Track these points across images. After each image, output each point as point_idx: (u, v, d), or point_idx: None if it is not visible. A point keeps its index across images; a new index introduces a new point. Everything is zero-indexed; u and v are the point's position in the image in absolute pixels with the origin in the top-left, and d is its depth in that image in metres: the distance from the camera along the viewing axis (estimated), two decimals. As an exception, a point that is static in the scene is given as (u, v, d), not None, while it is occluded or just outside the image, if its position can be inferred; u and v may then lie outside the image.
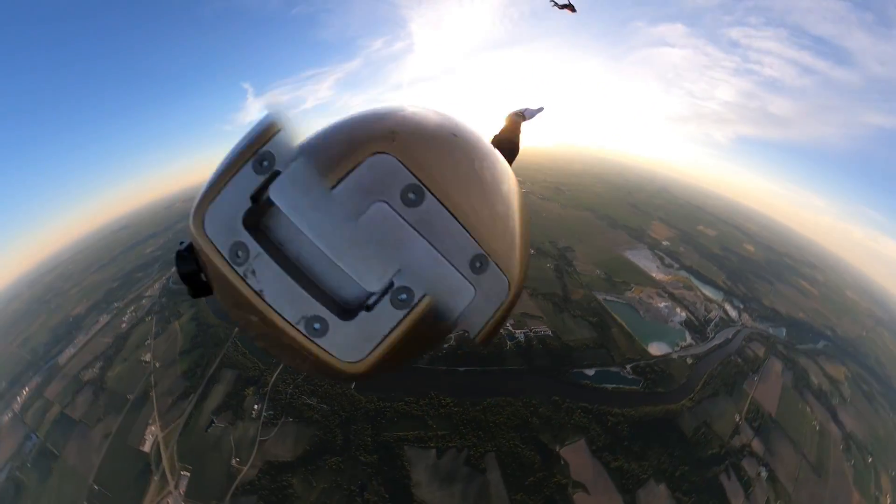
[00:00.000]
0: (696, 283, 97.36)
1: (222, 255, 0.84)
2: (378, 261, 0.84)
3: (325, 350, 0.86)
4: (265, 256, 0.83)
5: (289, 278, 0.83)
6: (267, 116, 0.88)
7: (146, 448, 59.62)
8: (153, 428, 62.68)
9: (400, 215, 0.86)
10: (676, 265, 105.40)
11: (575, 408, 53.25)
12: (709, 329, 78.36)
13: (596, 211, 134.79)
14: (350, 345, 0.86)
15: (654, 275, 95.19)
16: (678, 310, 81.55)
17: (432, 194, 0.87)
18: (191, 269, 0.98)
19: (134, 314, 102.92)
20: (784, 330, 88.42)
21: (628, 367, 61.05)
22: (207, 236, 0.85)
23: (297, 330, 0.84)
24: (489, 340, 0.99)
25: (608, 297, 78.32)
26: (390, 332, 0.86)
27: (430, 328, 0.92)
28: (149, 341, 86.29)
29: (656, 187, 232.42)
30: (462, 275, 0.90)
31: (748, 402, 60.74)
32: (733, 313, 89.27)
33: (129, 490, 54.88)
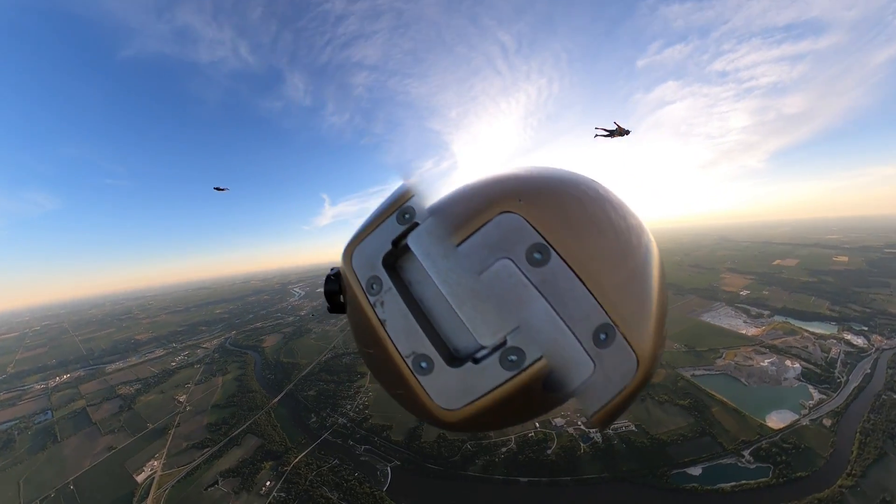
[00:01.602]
0: (796, 323, 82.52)
1: (360, 284, 1.02)
2: (495, 316, 0.82)
3: (423, 389, 0.90)
4: (394, 292, 0.96)
5: (410, 315, 0.92)
6: (404, 183, 1.06)
7: (139, 478, 55.45)
8: (155, 463, 58.96)
9: (523, 273, 0.84)
10: (766, 312, 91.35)
11: (683, 523, 41.71)
12: (837, 372, 63.19)
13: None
14: (449, 391, 0.87)
15: (743, 331, 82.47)
16: (788, 362, 67.68)
17: (558, 254, 0.84)
18: (333, 289, 1.20)
19: (186, 358, 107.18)
20: (936, 338, 69.07)
21: (746, 453, 48.50)
22: (352, 267, 1.05)
23: (405, 363, 0.92)
24: (605, 425, 0.88)
25: (697, 372, 67.32)
26: (492, 390, 0.83)
27: (536, 396, 0.86)
28: (189, 384, 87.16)
29: (714, 239, 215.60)
30: (582, 345, 0.83)
31: (935, 454, 44.78)
32: (859, 340, 72.35)
33: (99, 507, 46.90)
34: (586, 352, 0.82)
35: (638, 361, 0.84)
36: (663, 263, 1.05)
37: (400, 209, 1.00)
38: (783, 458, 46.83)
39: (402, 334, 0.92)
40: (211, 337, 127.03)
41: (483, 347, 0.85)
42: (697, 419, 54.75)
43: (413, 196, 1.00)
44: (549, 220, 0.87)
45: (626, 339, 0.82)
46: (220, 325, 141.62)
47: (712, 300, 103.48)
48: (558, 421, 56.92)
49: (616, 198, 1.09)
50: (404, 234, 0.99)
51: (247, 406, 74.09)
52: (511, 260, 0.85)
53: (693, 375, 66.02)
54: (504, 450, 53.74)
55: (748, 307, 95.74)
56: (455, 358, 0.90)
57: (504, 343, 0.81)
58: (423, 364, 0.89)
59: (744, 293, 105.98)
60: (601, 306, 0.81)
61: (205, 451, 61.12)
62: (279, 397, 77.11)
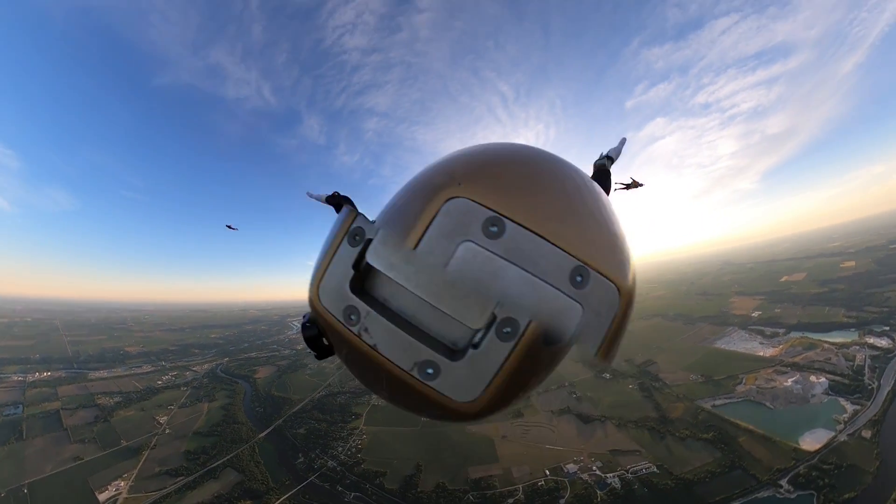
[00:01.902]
0: (814, 337, 78.59)
1: (337, 319, 0.97)
2: (475, 298, 0.83)
3: (439, 392, 0.88)
4: (373, 314, 0.92)
5: (397, 329, 0.90)
6: (345, 207, 1.06)
7: (101, 497, 50.66)
8: (122, 484, 53.46)
9: (486, 249, 0.87)
10: (781, 330, 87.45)
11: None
12: (866, 378, 59.12)
13: (665, 314, 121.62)
14: (463, 385, 0.87)
15: (760, 353, 78.47)
16: (813, 378, 63.37)
17: (512, 220, 0.88)
18: (313, 334, 1.14)
19: (173, 378, 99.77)
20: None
21: (784, 482, 43.85)
22: (323, 305, 1.00)
23: (412, 376, 0.89)
24: (610, 355, 0.92)
25: (717, 402, 62.96)
26: (502, 367, 0.83)
27: (543, 355, 0.87)
28: (172, 406, 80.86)
29: (718, 265, 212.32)
30: (564, 293, 0.85)
31: None
32: (882, 342, 68.46)
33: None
34: (570, 297, 0.85)
35: (618, 288, 0.89)
36: (604, 194, 1.10)
37: (348, 233, 0.97)
38: (826, 481, 42.22)
39: (397, 351, 0.91)
40: (202, 361, 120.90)
41: (477, 331, 0.85)
42: (724, 452, 50.12)
43: (357, 215, 0.98)
44: (492, 192, 0.91)
45: (600, 273, 0.87)
46: (213, 350, 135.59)
47: (724, 325, 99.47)
48: (571, 467, 52.14)
49: (547, 153, 1.15)
50: (362, 255, 0.95)
51: (230, 437, 68.91)
52: (471, 241, 0.88)
53: (714, 406, 61.63)
54: (511, 501, 48.94)
55: (762, 328, 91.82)
56: (456, 351, 0.90)
57: (494, 319, 0.82)
58: (429, 370, 0.88)
59: (755, 314, 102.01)
60: (567, 252, 0.86)
61: (178, 479, 56.59)
62: (266, 432, 71.97)
